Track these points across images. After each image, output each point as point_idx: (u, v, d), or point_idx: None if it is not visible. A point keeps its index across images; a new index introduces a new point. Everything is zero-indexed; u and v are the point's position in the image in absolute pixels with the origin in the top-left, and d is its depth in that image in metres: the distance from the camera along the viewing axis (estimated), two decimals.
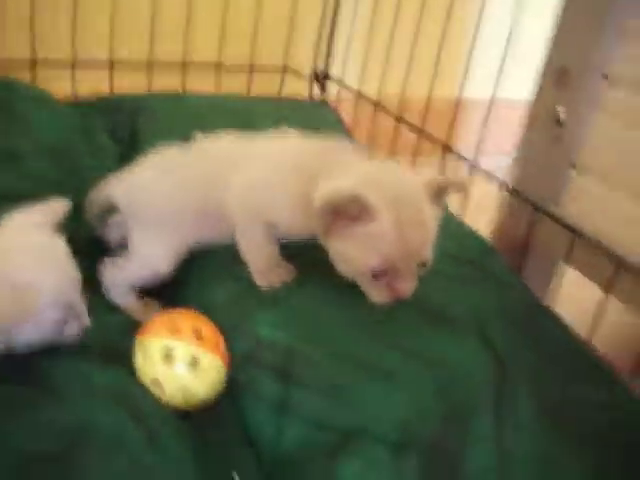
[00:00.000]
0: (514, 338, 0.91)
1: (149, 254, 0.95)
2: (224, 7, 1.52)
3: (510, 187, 1.24)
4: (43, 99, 1.20)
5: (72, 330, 0.78)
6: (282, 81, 1.66)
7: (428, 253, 0.82)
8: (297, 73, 1.67)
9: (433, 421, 0.78)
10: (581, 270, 1.16)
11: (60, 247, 0.78)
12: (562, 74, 1.17)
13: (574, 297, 1.20)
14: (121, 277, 0.96)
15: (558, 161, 1.19)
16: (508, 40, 1.21)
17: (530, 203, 1.19)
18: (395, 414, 0.78)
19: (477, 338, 0.89)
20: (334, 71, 1.70)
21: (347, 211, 0.79)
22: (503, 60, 1.23)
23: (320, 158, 0.89)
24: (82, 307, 0.78)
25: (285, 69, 1.66)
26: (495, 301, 0.97)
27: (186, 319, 0.81)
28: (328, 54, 1.67)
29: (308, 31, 1.67)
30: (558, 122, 1.18)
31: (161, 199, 0.95)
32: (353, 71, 1.62)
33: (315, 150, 0.92)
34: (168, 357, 0.77)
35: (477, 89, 1.32)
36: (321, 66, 1.69)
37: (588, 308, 1.06)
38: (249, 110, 1.38)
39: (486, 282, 1.01)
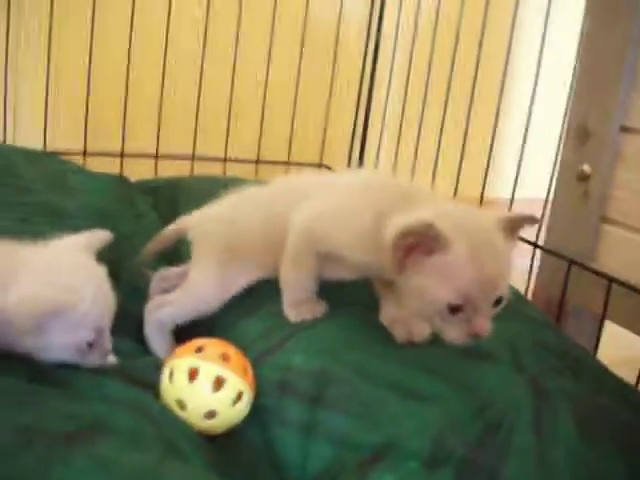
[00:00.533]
0: (549, 365, 0.88)
1: (204, 289, 0.97)
2: (262, 110, 1.64)
3: (544, 246, 1.25)
4: (92, 174, 1.29)
5: (93, 358, 0.78)
6: None
7: (505, 287, 0.79)
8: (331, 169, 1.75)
9: (469, 436, 0.75)
10: (621, 323, 1.13)
11: (102, 272, 0.81)
12: (583, 132, 1.20)
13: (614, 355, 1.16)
14: (169, 312, 0.97)
15: (588, 216, 1.20)
16: (524, 138, 1.27)
17: (565, 259, 1.18)
18: (428, 429, 0.75)
19: (512, 365, 0.86)
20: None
21: (421, 242, 0.76)
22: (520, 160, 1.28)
23: (392, 193, 0.88)
24: (108, 337, 0.79)
25: (320, 165, 1.74)
26: (530, 336, 0.95)
27: (213, 343, 0.82)
28: (361, 151, 1.76)
29: (341, 130, 1.77)
30: (584, 178, 1.20)
31: (236, 228, 0.98)
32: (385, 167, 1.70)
33: (388, 185, 0.92)
34: (193, 377, 0.76)
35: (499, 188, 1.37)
36: (354, 162, 1.77)
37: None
38: None
39: (521, 321, 0.99)
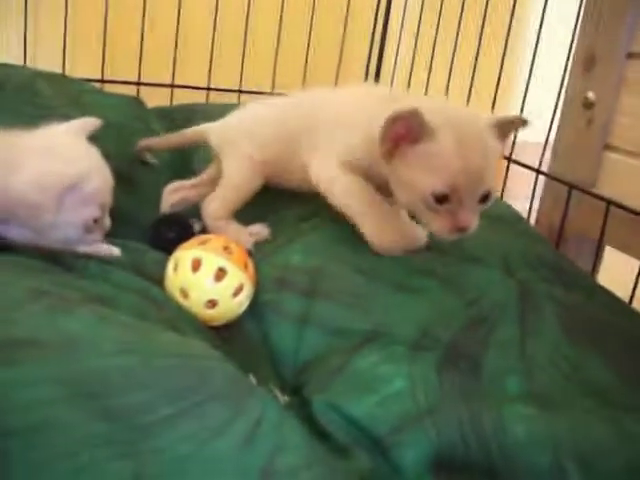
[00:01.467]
0: (541, 275, 0.91)
1: (241, 177, 1.01)
2: (277, 41, 1.67)
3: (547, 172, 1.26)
4: (108, 93, 1.33)
5: (94, 237, 0.83)
6: None
7: (491, 183, 0.80)
8: None
9: (453, 327, 0.79)
10: (619, 247, 1.15)
11: (98, 154, 0.84)
12: (589, 58, 1.21)
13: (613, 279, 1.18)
14: (216, 207, 1.00)
15: (591, 143, 1.21)
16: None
17: (566, 184, 1.20)
18: (416, 319, 0.79)
19: (502, 270, 0.90)
20: None
21: (408, 131, 0.78)
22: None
23: (385, 98, 0.91)
24: (107, 216, 0.84)
25: None
26: (524, 249, 0.97)
27: (217, 238, 0.86)
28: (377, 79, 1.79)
29: (356, 64, 1.80)
30: (589, 106, 1.21)
31: (254, 141, 1.01)
32: None
33: (380, 94, 0.95)
34: (196, 267, 0.80)
35: None
36: None
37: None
38: None
39: (518, 237, 1.02)
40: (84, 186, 0.78)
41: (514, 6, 1.35)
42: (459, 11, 1.50)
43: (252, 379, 0.73)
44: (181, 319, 0.77)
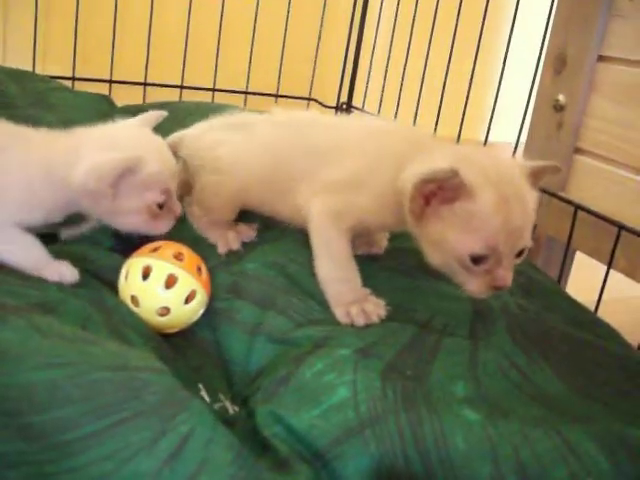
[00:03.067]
0: None
1: (210, 199, 0.98)
2: (252, 41, 1.65)
3: None
4: (75, 92, 1.32)
5: (163, 224, 0.83)
6: (307, 109, 1.75)
7: (528, 238, 0.75)
8: (321, 103, 1.76)
9: (401, 342, 0.78)
10: (588, 252, 1.14)
11: (163, 143, 0.85)
12: (560, 61, 1.20)
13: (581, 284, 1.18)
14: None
15: (562, 147, 1.20)
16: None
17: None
18: (362, 332, 0.79)
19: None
20: (356, 102, 1.78)
21: (443, 190, 0.73)
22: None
23: (403, 142, 0.85)
24: (176, 201, 0.84)
25: (310, 99, 1.75)
26: None
27: (170, 245, 0.84)
28: (351, 87, 1.76)
29: (332, 65, 1.78)
30: (559, 108, 1.20)
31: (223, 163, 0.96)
32: (373, 103, 1.70)
33: (397, 134, 0.89)
34: (146, 274, 0.79)
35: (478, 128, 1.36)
36: (344, 97, 1.77)
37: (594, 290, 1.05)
38: None
39: None
40: (140, 171, 0.78)
41: (486, 7, 1.33)
42: (433, 13, 1.49)
43: (202, 390, 0.73)
44: (129, 326, 0.75)
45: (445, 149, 0.80)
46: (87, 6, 1.53)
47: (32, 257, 0.79)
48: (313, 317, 0.82)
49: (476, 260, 0.74)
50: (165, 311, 0.79)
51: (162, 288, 0.79)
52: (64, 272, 0.80)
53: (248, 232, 0.98)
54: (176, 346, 0.80)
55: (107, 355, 0.59)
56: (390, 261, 0.96)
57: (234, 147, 0.95)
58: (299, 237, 0.94)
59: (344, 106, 1.71)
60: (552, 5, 1.19)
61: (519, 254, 0.77)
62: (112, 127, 0.85)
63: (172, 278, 0.79)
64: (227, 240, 0.95)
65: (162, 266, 0.79)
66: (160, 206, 0.81)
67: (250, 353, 0.79)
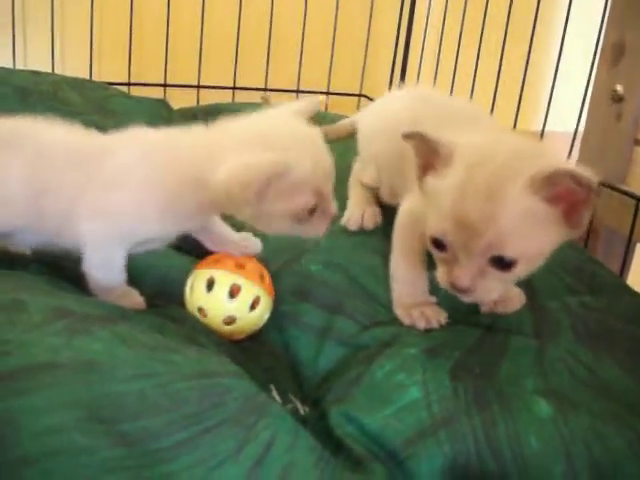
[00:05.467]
0: (562, 283, 0.91)
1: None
2: (302, 40, 1.67)
3: None
4: (133, 97, 1.35)
5: (316, 228, 0.75)
6: (358, 105, 1.76)
7: (501, 242, 0.66)
8: (371, 99, 1.76)
9: (467, 343, 0.79)
10: None
11: (317, 136, 0.74)
12: (618, 51, 1.18)
13: None
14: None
15: (621, 138, 1.18)
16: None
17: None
18: (432, 335, 0.80)
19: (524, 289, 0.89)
20: None
21: (423, 157, 0.74)
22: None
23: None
24: (333, 202, 0.74)
25: (360, 95, 1.76)
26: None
27: (230, 256, 0.84)
28: (402, 81, 1.76)
29: (382, 60, 1.78)
30: (617, 99, 1.18)
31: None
32: None
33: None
34: (210, 286, 0.80)
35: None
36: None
37: None
38: (321, 117, 1.47)
39: None
40: (290, 174, 0.68)
41: (537, 11, 1.32)
42: (484, 3, 1.47)
43: (273, 391, 0.75)
44: (201, 333, 0.78)
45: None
46: (139, 13, 1.56)
47: (116, 283, 0.79)
48: (378, 319, 0.84)
49: (436, 244, 0.71)
50: (231, 320, 0.80)
51: (227, 298, 0.80)
52: (138, 301, 0.81)
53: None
54: (246, 349, 0.82)
55: (188, 363, 0.61)
56: None
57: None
58: (353, 236, 0.96)
59: None
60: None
61: (498, 263, 0.68)
62: (260, 119, 0.75)
63: (236, 287, 0.80)
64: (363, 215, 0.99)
65: (225, 276, 0.80)
66: (312, 210, 0.72)
67: (319, 355, 0.81)
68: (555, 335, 0.80)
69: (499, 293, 0.72)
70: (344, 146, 1.08)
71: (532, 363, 0.75)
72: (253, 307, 0.81)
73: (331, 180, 0.74)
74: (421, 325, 0.81)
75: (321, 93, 1.71)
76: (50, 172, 0.75)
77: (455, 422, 0.64)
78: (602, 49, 1.21)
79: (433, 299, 0.85)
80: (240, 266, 0.82)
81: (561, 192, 0.65)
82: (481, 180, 0.66)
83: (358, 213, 1.00)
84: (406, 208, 0.87)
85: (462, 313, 0.85)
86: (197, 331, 0.77)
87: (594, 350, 0.77)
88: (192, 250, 0.92)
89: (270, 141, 0.70)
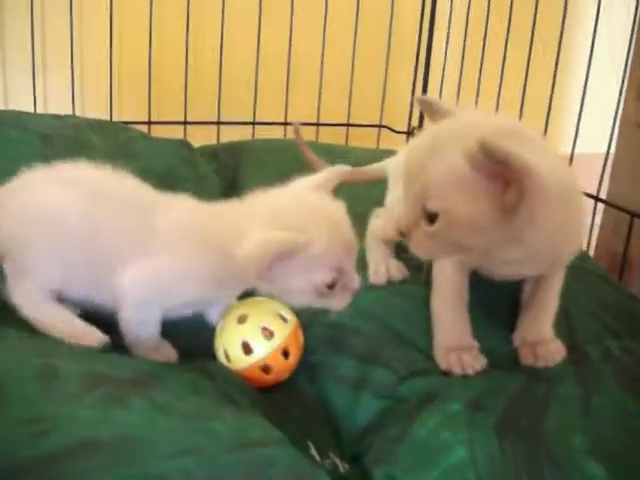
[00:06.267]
0: (602, 326, 0.89)
1: None
2: (321, 73, 1.67)
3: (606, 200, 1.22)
4: (155, 139, 1.34)
5: (338, 301, 0.76)
6: (379, 136, 1.75)
7: (426, 194, 0.70)
8: (392, 129, 1.75)
9: (508, 394, 0.76)
10: None
11: (339, 210, 0.76)
12: None
13: None
14: None
15: None
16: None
17: (627, 212, 1.16)
18: (470, 384, 0.77)
19: (562, 334, 0.86)
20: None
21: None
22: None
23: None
24: (354, 277, 0.76)
25: (380, 126, 1.75)
26: (586, 294, 0.94)
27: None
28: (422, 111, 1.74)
29: (402, 90, 1.77)
30: None
31: None
32: None
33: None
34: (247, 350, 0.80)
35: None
36: (415, 122, 1.76)
37: None
38: (344, 151, 1.46)
39: (578, 276, 0.98)
40: (305, 250, 0.70)
41: (562, 32, 1.30)
42: (505, 31, 1.46)
43: (311, 447, 0.73)
44: (233, 388, 0.76)
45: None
46: (158, 52, 1.56)
47: (152, 337, 0.81)
48: (417, 368, 0.81)
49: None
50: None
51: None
52: (170, 354, 0.82)
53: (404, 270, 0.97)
54: (280, 403, 0.80)
55: (230, 432, 0.60)
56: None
57: None
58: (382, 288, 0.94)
59: (415, 131, 1.70)
60: (633, 27, 1.15)
61: (430, 219, 0.72)
62: (282, 195, 0.77)
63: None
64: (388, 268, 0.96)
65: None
66: (331, 285, 0.74)
67: (355, 408, 0.79)
68: (598, 383, 0.78)
69: (428, 251, 0.74)
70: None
71: (578, 414, 0.72)
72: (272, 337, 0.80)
73: (352, 254, 0.76)
74: (457, 371, 0.80)
75: (341, 125, 1.70)
76: (104, 211, 0.79)
77: None
78: (628, 85, 1.19)
79: (475, 343, 0.83)
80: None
81: (497, 169, 0.65)
82: (434, 139, 0.71)
83: (383, 267, 0.97)
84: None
85: (501, 359, 0.83)
86: (230, 385, 0.76)
87: None
88: None
89: (287, 220, 0.72)
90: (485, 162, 0.65)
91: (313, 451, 0.73)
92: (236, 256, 0.70)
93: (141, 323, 0.80)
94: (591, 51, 1.23)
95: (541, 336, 0.83)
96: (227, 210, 0.79)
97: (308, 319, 0.88)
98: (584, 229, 0.80)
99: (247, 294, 0.85)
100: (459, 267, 0.85)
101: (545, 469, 0.63)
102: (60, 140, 1.20)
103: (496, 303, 0.90)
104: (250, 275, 0.72)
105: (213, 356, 0.82)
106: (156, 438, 0.55)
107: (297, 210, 0.74)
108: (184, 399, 0.65)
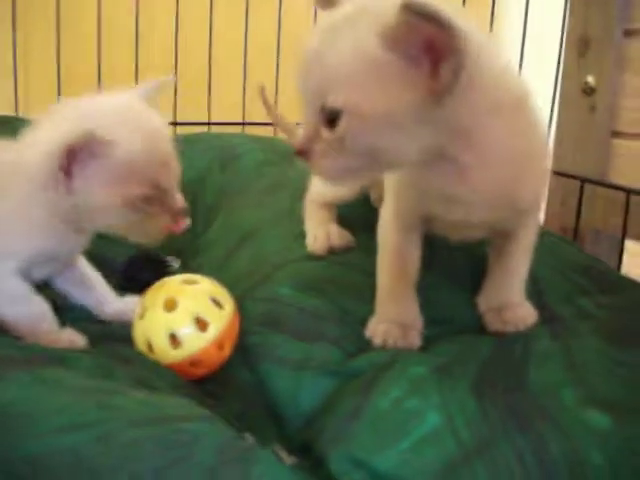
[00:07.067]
0: (574, 286, 0.81)
1: None
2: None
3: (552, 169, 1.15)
4: None
5: (160, 225, 0.66)
6: None
7: (326, 86, 0.55)
8: None
9: (481, 349, 0.66)
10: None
11: (156, 120, 0.67)
12: (584, 42, 1.11)
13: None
14: None
15: (597, 131, 1.10)
16: None
17: (577, 178, 1.09)
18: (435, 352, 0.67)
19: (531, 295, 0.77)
20: None
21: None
22: None
23: None
24: (178, 197, 0.66)
25: None
26: (552, 256, 0.85)
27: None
28: None
29: None
30: (589, 91, 1.10)
31: None
32: None
33: None
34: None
35: None
36: None
37: None
38: None
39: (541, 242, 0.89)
40: (110, 154, 0.60)
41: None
42: None
43: (250, 440, 0.59)
44: (156, 374, 0.62)
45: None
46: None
47: (35, 317, 0.68)
48: (366, 345, 0.70)
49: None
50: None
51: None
52: (75, 339, 0.68)
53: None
54: (211, 393, 0.67)
55: (137, 406, 0.46)
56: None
57: None
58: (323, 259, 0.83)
59: None
60: None
61: (330, 123, 0.57)
62: (91, 101, 0.67)
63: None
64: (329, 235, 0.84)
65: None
66: (148, 199, 0.64)
67: (299, 391, 0.66)
68: (576, 338, 0.68)
69: (333, 169, 0.58)
70: None
71: (563, 368, 0.61)
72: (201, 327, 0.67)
73: (171, 170, 0.66)
74: (377, 341, 0.69)
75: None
76: None
77: (492, 448, 0.50)
78: (566, 42, 1.14)
79: (418, 323, 0.71)
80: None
81: (421, 43, 0.51)
82: (334, 21, 0.56)
83: (322, 233, 0.85)
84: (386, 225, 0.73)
85: (467, 325, 0.72)
86: (149, 371, 0.62)
87: (630, 346, 0.65)
88: None
89: (90, 122, 0.61)
90: (406, 36, 0.51)
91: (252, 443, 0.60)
92: (27, 163, 0.61)
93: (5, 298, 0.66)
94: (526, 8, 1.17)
95: (508, 300, 0.73)
96: (34, 132, 0.66)
97: (240, 295, 0.76)
98: (545, 165, 0.69)
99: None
100: (404, 230, 0.72)
101: (537, 424, 0.52)
102: None
103: (461, 267, 0.80)
104: (49, 188, 0.61)
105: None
106: (39, 411, 0.41)
107: (104, 112, 0.64)
108: (84, 379, 0.51)
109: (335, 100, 0.54)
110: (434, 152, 0.57)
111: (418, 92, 0.52)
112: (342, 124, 0.54)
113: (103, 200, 0.62)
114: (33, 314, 0.67)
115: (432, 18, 0.49)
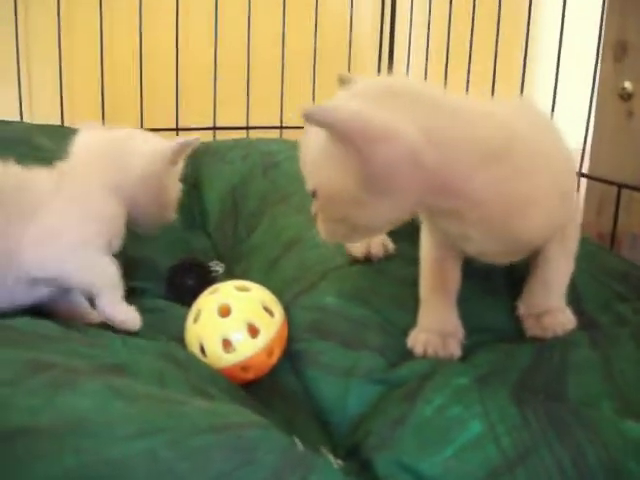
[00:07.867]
0: (611, 292, 0.82)
1: None
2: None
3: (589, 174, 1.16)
4: None
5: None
6: None
7: (308, 174, 0.67)
8: None
9: (520, 362, 0.68)
10: None
11: None
12: (621, 47, 1.11)
13: None
14: None
15: (634, 136, 1.11)
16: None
17: (614, 184, 1.10)
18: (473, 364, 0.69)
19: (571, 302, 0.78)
20: None
21: None
22: None
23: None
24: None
25: None
26: (589, 263, 0.86)
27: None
28: None
29: None
30: (626, 97, 1.11)
31: None
32: None
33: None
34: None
35: None
36: None
37: None
38: None
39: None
40: None
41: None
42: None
43: (298, 444, 0.62)
44: (209, 381, 0.66)
45: None
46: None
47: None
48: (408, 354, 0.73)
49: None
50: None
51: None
52: (135, 318, 0.75)
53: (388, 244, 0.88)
54: (260, 398, 0.71)
55: (202, 415, 0.50)
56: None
57: None
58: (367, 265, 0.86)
59: None
60: None
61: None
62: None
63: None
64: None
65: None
66: None
67: (346, 398, 0.69)
68: (615, 347, 0.70)
69: (327, 233, 0.67)
70: None
71: (601, 379, 0.63)
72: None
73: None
74: (418, 350, 0.72)
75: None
76: None
77: (533, 456, 0.53)
78: (603, 47, 1.14)
79: (459, 333, 0.73)
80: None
81: (342, 138, 0.58)
82: None
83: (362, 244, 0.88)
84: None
85: (507, 333, 0.75)
86: (203, 379, 0.66)
87: None
88: None
89: None
90: (331, 132, 0.58)
91: (300, 447, 0.63)
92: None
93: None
94: (563, 15, 1.18)
95: (548, 306, 0.75)
96: None
97: (287, 302, 0.79)
98: (555, 202, 0.67)
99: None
100: (444, 248, 0.75)
101: (576, 432, 0.54)
102: (8, 142, 1.10)
103: (498, 272, 0.82)
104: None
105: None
106: (112, 421, 0.45)
107: None
108: (148, 387, 0.55)
109: (309, 183, 0.66)
110: (423, 207, 0.64)
111: (358, 176, 0.58)
112: (318, 201, 0.65)
113: None
114: (116, 281, 0.75)
115: (325, 124, 0.57)
